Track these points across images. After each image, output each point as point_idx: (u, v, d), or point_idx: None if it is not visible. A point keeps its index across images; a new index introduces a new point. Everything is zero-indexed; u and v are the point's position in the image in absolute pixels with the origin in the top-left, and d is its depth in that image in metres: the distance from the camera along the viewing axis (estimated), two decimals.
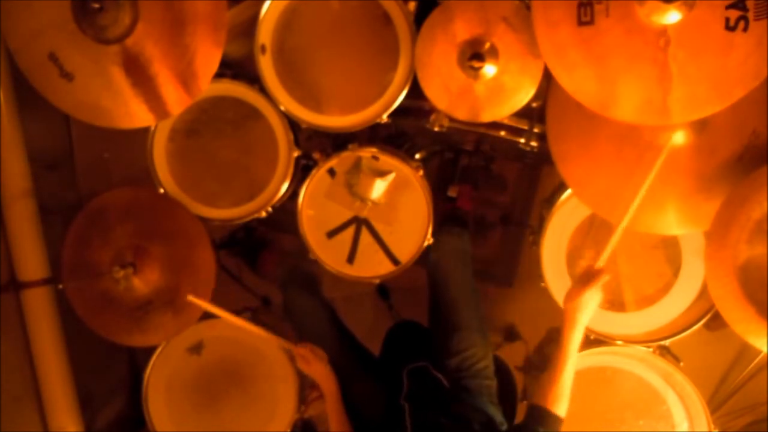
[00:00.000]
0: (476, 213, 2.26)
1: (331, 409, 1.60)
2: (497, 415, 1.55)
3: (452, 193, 2.06)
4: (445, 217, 2.02)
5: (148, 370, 1.84)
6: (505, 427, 1.51)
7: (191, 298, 1.62)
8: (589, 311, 1.36)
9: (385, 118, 1.61)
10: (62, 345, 1.92)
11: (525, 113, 1.61)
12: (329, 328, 1.77)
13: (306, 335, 1.71)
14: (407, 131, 1.99)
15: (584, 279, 1.37)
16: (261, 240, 2.36)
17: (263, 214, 1.76)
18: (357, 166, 1.67)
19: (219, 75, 1.58)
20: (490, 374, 1.64)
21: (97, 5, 1.39)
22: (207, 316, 1.76)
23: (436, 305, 1.75)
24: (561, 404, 1.35)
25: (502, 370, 1.80)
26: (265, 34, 1.60)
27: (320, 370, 1.60)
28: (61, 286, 1.75)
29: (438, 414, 1.48)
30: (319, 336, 1.69)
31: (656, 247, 1.65)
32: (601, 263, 1.38)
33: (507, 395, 1.73)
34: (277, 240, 2.37)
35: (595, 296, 1.37)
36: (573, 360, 1.36)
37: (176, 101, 1.52)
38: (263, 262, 2.32)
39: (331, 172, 1.69)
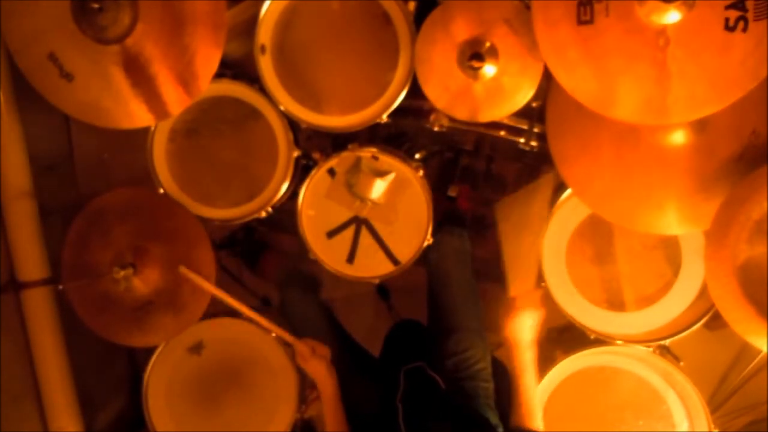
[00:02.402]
0: (476, 213, 2.26)
1: (328, 410, 1.58)
2: (493, 417, 1.55)
3: (452, 193, 2.06)
4: (444, 217, 2.02)
5: (148, 370, 1.84)
6: (501, 429, 1.51)
7: (183, 269, 1.61)
8: (525, 332, 1.49)
9: (384, 118, 1.61)
10: (62, 345, 1.92)
11: (525, 113, 1.61)
12: (326, 328, 1.77)
13: (302, 334, 1.71)
14: (407, 131, 1.99)
15: (506, 310, 1.51)
16: (261, 242, 2.36)
17: (263, 214, 1.76)
18: (357, 166, 1.67)
19: (219, 75, 1.58)
20: (487, 376, 1.64)
21: (96, 5, 1.39)
22: (207, 316, 1.77)
23: (435, 305, 1.75)
24: (535, 417, 1.46)
25: (500, 371, 1.80)
26: (264, 34, 1.60)
27: (318, 369, 1.58)
28: (61, 287, 1.75)
29: (432, 417, 1.49)
30: (315, 335, 1.69)
31: (656, 247, 1.65)
32: (511, 292, 1.53)
33: (506, 396, 1.73)
34: (277, 241, 2.37)
35: (525, 319, 1.49)
36: (530, 376, 1.48)
37: (176, 101, 1.52)
38: (264, 263, 2.32)
39: (331, 172, 1.70)
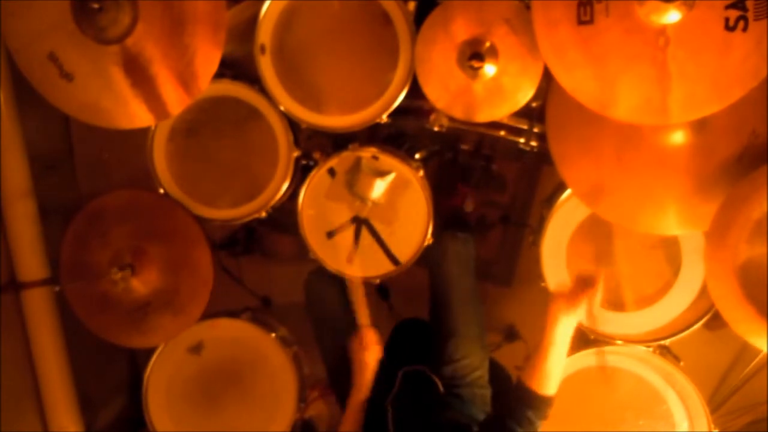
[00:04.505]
0: (476, 213, 2.26)
1: (354, 404, 1.58)
2: None
3: (468, 208, 2.06)
4: (448, 219, 2.02)
5: (148, 371, 1.84)
6: None
7: None
8: (575, 316, 1.45)
9: (384, 118, 1.61)
10: (62, 345, 1.92)
11: (525, 113, 1.61)
12: (342, 316, 1.77)
13: (319, 320, 1.71)
14: (407, 131, 1.99)
15: (579, 287, 1.48)
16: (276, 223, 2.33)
17: (263, 214, 1.76)
18: (357, 165, 1.67)
19: (219, 75, 1.58)
20: (484, 383, 1.64)
21: (96, 5, 1.39)
22: (207, 316, 1.77)
23: (436, 309, 1.75)
24: (549, 385, 1.41)
25: (499, 374, 1.79)
26: (264, 34, 1.60)
27: (374, 361, 1.59)
28: (58, 289, 1.75)
29: (421, 421, 1.48)
30: (331, 323, 1.69)
31: (656, 247, 1.65)
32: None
33: (505, 399, 1.73)
34: (277, 241, 2.37)
35: (584, 306, 1.46)
36: (558, 348, 1.43)
37: (176, 101, 1.51)
38: (277, 240, 2.30)
39: (331, 171, 1.69)
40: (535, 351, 1.45)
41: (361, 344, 1.60)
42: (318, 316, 1.78)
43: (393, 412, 1.51)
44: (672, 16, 1.19)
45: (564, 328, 1.44)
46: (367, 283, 1.78)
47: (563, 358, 1.44)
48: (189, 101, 1.52)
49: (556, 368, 1.43)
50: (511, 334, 2.30)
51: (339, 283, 1.78)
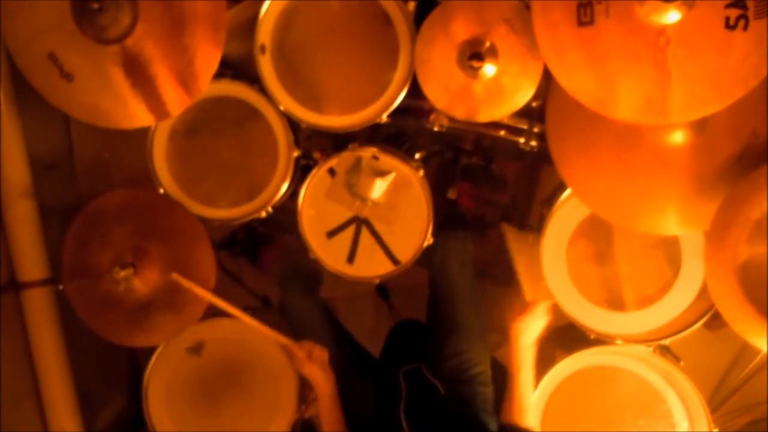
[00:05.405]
0: (476, 213, 2.26)
1: (324, 414, 1.58)
2: (491, 423, 1.55)
3: (452, 195, 2.06)
4: (447, 218, 2.02)
5: (148, 371, 1.84)
6: None
7: (176, 276, 1.63)
8: (530, 332, 1.53)
9: (384, 118, 1.61)
10: (62, 345, 1.92)
11: (525, 113, 1.61)
12: (325, 327, 1.77)
13: (301, 334, 1.71)
14: (407, 131, 1.99)
15: (519, 309, 1.57)
16: (264, 236, 2.36)
17: (263, 214, 1.76)
18: (357, 165, 1.67)
19: (219, 75, 1.58)
20: (485, 380, 1.63)
21: (96, 5, 1.39)
22: (208, 315, 1.77)
23: (436, 308, 1.75)
24: (527, 416, 1.49)
25: (501, 373, 1.79)
26: (264, 34, 1.60)
27: (315, 373, 1.58)
28: (61, 287, 1.75)
29: (435, 424, 1.48)
30: (315, 335, 1.69)
31: (656, 246, 1.65)
32: (527, 296, 1.56)
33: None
34: (279, 236, 2.37)
35: (535, 321, 1.54)
36: (527, 374, 1.51)
37: (176, 101, 1.52)
38: (265, 258, 2.32)
39: (332, 171, 1.70)
40: (507, 387, 1.52)
41: (300, 362, 1.62)
42: (296, 325, 1.79)
43: (406, 417, 1.50)
44: (672, 15, 1.19)
45: (526, 351, 1.51)
46: (366, 282, 1.78)
47: (531, 383, 1.51)
48: (189, 101, 1.52)
49: (528, 396, 1.51)
50: None
51: (312, 288, 1.80)
